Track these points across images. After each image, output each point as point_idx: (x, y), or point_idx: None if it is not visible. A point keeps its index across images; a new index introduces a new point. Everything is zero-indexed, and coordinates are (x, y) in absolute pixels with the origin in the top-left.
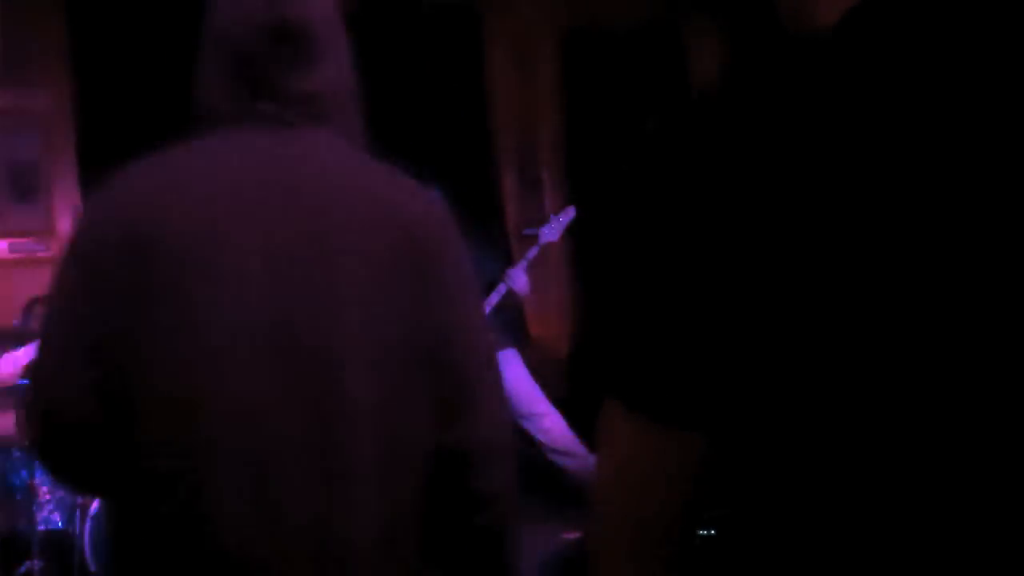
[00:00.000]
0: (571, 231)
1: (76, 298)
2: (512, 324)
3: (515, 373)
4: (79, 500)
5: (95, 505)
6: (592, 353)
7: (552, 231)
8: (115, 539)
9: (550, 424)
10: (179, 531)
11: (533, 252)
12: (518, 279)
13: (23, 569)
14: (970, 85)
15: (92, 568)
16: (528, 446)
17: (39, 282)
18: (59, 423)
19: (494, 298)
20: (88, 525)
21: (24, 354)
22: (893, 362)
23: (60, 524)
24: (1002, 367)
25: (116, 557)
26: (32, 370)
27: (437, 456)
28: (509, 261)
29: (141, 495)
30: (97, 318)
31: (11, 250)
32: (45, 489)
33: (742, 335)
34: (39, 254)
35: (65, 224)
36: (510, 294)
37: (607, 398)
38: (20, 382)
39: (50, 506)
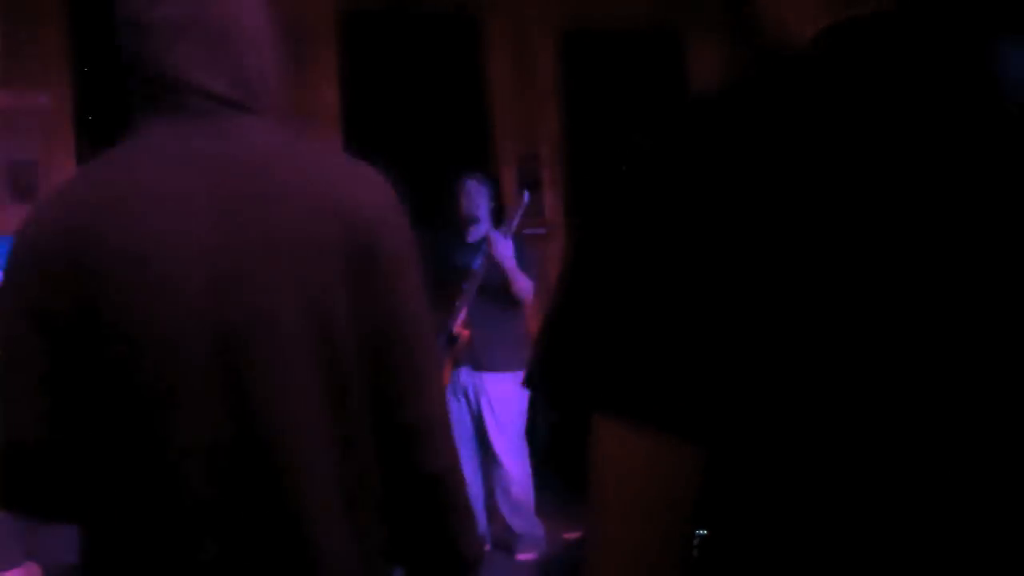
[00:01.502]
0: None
1: (19, 326)
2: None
3: (511, 394)
4: None
5: None
6: (579, 365)
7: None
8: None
9: (512, 470)
10: (146, 547)
11: (516, 218)
12: (498, 244)
13: None
14: (945, 93)
15: None
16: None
17: None
18: (23, 454)
19: (478, 267)
20: None
21: None
22: (885, 367)
23: None
24: (1001, 371)
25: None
26: None
27: (386, 435)
28: None
29: (103, 517)
30: (43, 345)
31: None
32: None
33: (736, 337)
34: None
35: None
36: (490, 259)
37: (600, 416)
38: None
39: None
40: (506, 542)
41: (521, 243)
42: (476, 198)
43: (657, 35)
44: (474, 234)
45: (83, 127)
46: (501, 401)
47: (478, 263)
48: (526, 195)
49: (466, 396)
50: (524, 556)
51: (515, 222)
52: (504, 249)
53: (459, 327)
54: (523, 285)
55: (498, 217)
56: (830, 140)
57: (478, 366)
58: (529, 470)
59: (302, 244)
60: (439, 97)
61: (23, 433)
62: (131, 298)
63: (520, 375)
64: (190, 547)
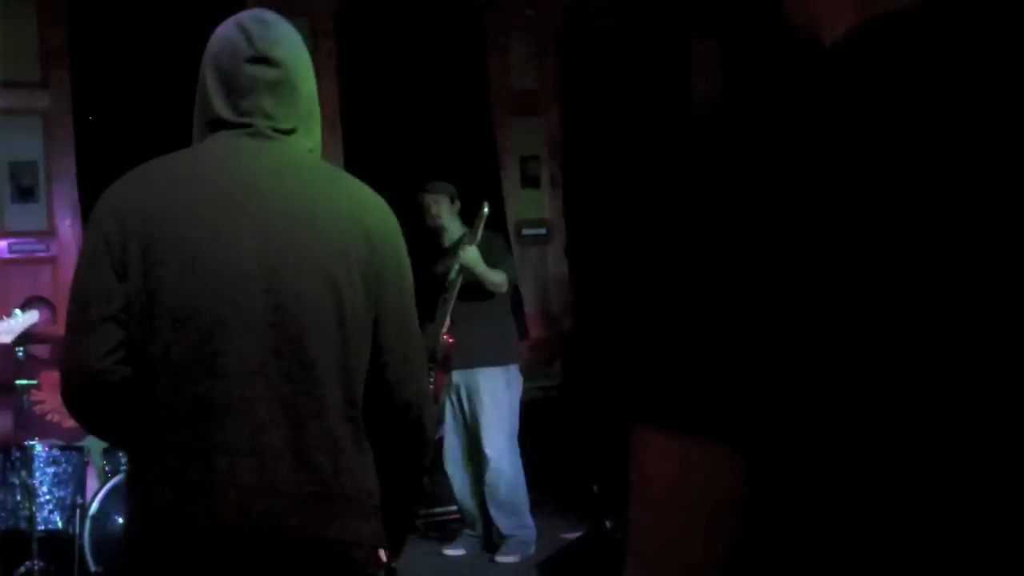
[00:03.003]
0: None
1: (101, 273)
2: (515, 336)
3: (503, 390)
4: (79, 500)
5: (95, 506)
6: (623, 378)
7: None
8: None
9: (502, 468)
10: (183, 474)
11: (479, 229)
12: (466, 254)
13: (23, 569)
14: (970, 96)
15: (92, 568)
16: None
17: (39, 282)
18: (91, 377)
19: (453, 277)
20: (88, 525)
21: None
22: (909, 373)
23: (60, 524)
24: (1013, 376)
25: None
26: (67, 332)
27: (374, 382)
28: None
29: (152, 439)
30: (118, 289)
31: (11, 250)
32: (45, 489)
33: (769, 343)
34: (39, 254)
35: (65, 224)
36: (461, 267)
37: (641, 428)
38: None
39: (50, 506)
40: (491, 543)
41: (491, 242)
42: (434, 208)
43: (658, 35)
44: (447, 240)
45: (83, 127)
46: (493, 398)
47: (451, 273)
48: (485, 207)
49: (457, 394)
50: (504, 559)
51: (478, 232)
52: (471, 257)
53: (444, 335)
54: (495, 280)
55: (499, 217)
56: (856, 141)
57: (468, 363)
58: (520, 469)
59: (330, 247)
60: (440, 96)
61: (95, 359)
62: (190, 258)
63: (511, 368)
64: (221, 469)
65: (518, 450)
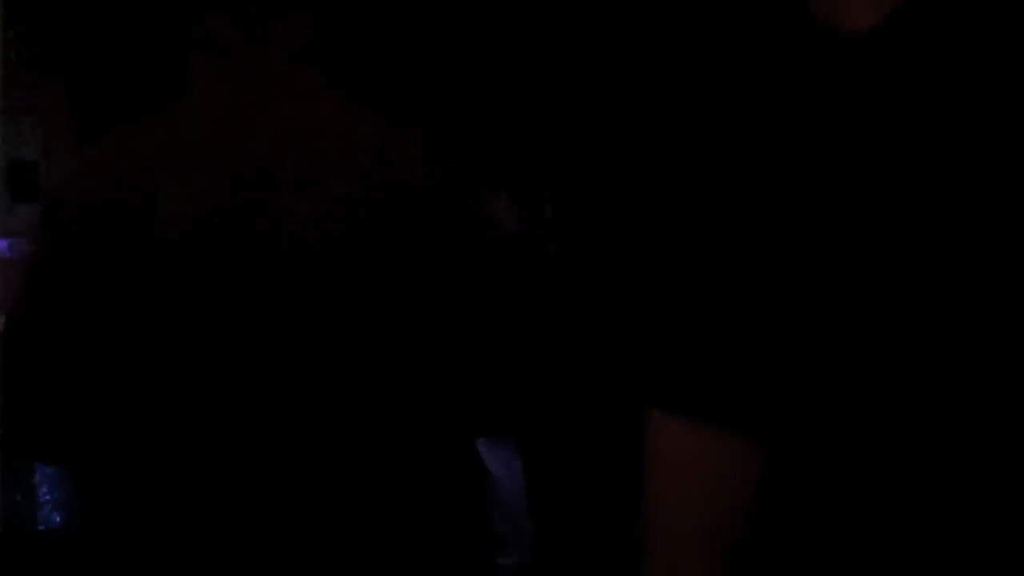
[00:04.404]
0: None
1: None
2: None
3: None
4: (79, 500)
5: None
6: (633, 366)
7: None
8: None
9: (500, 474)
10: None
11: None
12: None
13: (23, 569)
14: (999, 91)
15: None
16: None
17: None
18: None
19: None
20: None
21: None
22: (918, 363)
23: (60, 524)
24: (1003, 369)
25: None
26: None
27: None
28: None
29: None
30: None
31: (11, 250)
32: (45, 489)
33: (786, 331)
34: None
35: None
36: None
37: (653, 413)
38: None
39: (50, 506)
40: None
41: None
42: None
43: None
44: None
45: (83, 127)
46: None
47: None
48: None
49: None
50: (506, 560)
51: None
52: None
53: None
54: None
55: None
56: (881, 132)
57: None
58: (519, 475)
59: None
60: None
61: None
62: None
63: None
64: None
65: (517, 456)
